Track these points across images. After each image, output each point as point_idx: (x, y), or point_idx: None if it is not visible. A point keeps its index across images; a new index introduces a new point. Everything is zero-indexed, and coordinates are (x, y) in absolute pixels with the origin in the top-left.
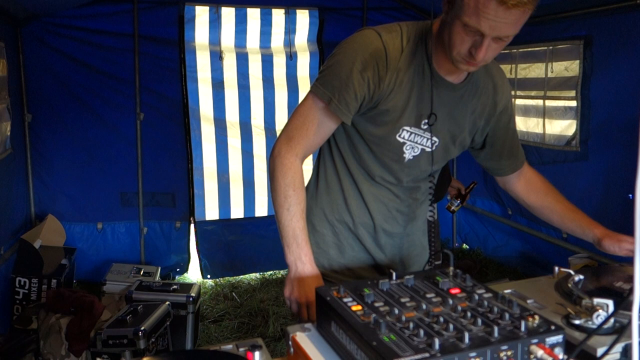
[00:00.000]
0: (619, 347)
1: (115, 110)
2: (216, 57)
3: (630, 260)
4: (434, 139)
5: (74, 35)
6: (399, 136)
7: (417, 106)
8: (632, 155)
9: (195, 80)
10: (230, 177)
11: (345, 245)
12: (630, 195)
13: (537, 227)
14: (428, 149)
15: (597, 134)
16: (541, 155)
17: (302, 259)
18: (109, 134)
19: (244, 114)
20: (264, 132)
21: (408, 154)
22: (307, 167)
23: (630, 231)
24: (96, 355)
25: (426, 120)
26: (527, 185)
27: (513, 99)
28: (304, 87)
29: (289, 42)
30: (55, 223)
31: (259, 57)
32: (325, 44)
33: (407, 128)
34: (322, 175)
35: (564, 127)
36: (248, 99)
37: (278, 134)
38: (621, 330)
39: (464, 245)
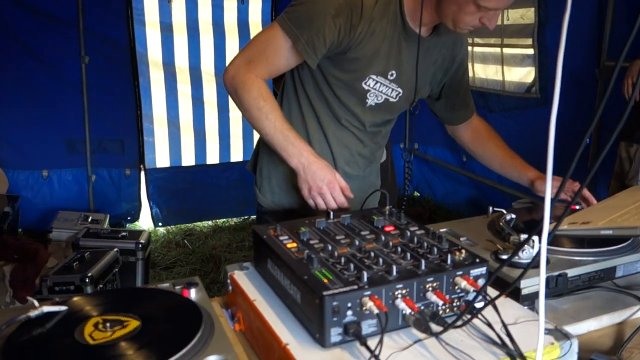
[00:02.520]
0: (539, 279)
1: (57, 53)
2: (164, 0)
3: (564, 201)
4: (399, 89)
5: None
6: (365, 83)
7: (386, 57)
8: (587, 99)
9: (142, 23)
10: (181, 124)
11: None
12: (588, 140)
13: (487, 174)
14: (392, 99)
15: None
16: (503, 102)
17: (303, 155)
18: (52, 78)
19: (194, 60)
20: (214, 79)
21: (370, 101)
22: None
23: (582, 174)
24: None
25: (393, 72)
26: (473, 133)
27: (472, 47)
28: (256, 33)
29: None
30: None
31: (209, 1)
32: None
33: (374, 77)
34: (286, 115)
35: (523, 75)
36: (198, 44)
37: None
38: (533, 261)
39: (415, 193)
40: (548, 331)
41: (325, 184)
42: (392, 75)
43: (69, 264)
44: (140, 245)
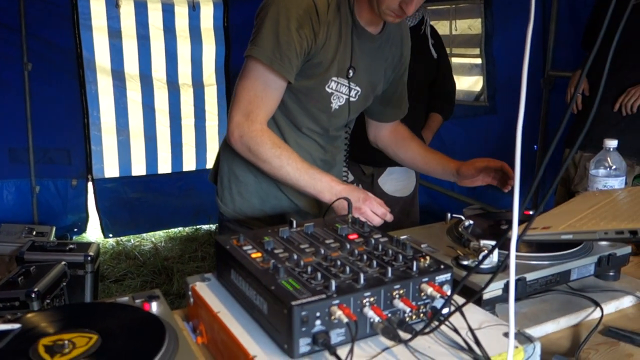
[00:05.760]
0: (500, 284)
1: None
2: (112, 4)
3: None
4: (357, 88)
5: None
6: (328, 87)
7: (343, 57)
8: (535, 108)
9: (89, 28)
10: (131, 132)
11: (267, 193)
12: (535, 147)
13: (439, 181)
14: (352, 99)
15: (503, 89)
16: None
17: (332, 187)
18: None
19: (144, 66)
20: (166, 86)
21: (335, 104)
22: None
23: (530, 180)
24: None
25: (350, 71)
26: (395, 135)
27: None
28: (208, 39)
29: None
30: None
31: (159, 6)
32: None
33: (335, 79)
34: None
35: (472, 83)
36: (148, 50)
37: (181, 87)
38: (499, 267)
39: None
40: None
41: (362, 203)
42: (349, 74)
43: (13, 279)
44: (89, 258)
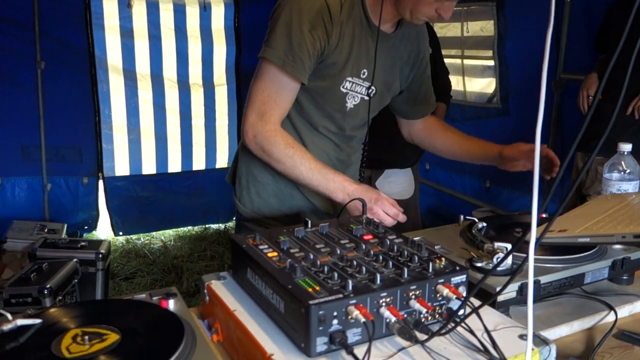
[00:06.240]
0: (514, 287)
1: (12, 57)
2: (124, 4)
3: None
4: (372, 87)
5: None
6: (343, 87)
7: (357, 57)
8: (547, 110)
9: (101, 27)
10: (142, 131)
11: (285, 194)
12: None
13: (449, 183)
14: (366, 98)
15: (516, 91)
16: (464, 112)
17: (345, 187)
18: (5, 83)
19: (156, 66)
20: (176, 85)
21: (350, 103)
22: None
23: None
24: None
25: (365, 70)
26: (429, 127)
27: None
28: (219, 39)
29: None
30: None
31: (170, 6)
32: None
33: (349, 79)
34: None
35: (484, 85)
36: (160, 50)
37: (192, 86)
38: (516, 270)
39: None
40: (527, 337)
41: (374, 203)
42: (364, 74)
43: (26, 275)
44: (100, 256)
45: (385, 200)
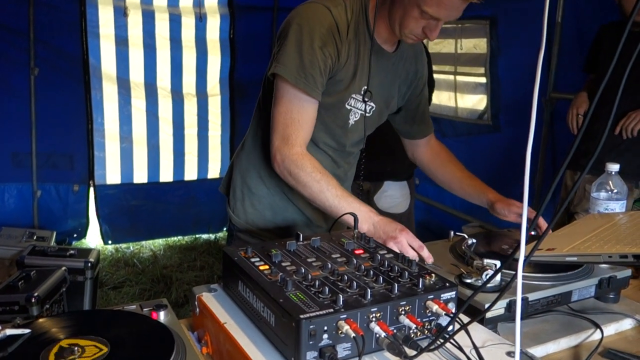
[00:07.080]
0: (503, 303)
1: (6, 63)
2: (120, 13)
3: (516, 226)
4: (372, 104)
5: None
6: (347, 104)
7: (361, 74)
8: (537, 128)
9: (96, 36)
10: (134, 140)
11: (280, 206)
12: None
13: (439, 198)
14: (367, 114)
15: (507, 109)
16: (455, 127)
17: (371, 217)
18: None
19: (150, 75)
20: (170, 95)
21: (352, 120)
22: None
23: (531, 199)
24: None
25: (365, 87)
26: (432, 155)
27: None
28: (214, 50)
29: (198, 3)
30: None
31: (166, 16)
32: (236, 7)
33: (354, 95)
34: (259, 141)
35: (476, 102)
36: (154, 60)
37: (185, 96)
38: (504, 287)
39: None
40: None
41: (399, 233)
42: (364, 91)
43: (13, 283)
44: (89, 264)
45: (409, 232)
